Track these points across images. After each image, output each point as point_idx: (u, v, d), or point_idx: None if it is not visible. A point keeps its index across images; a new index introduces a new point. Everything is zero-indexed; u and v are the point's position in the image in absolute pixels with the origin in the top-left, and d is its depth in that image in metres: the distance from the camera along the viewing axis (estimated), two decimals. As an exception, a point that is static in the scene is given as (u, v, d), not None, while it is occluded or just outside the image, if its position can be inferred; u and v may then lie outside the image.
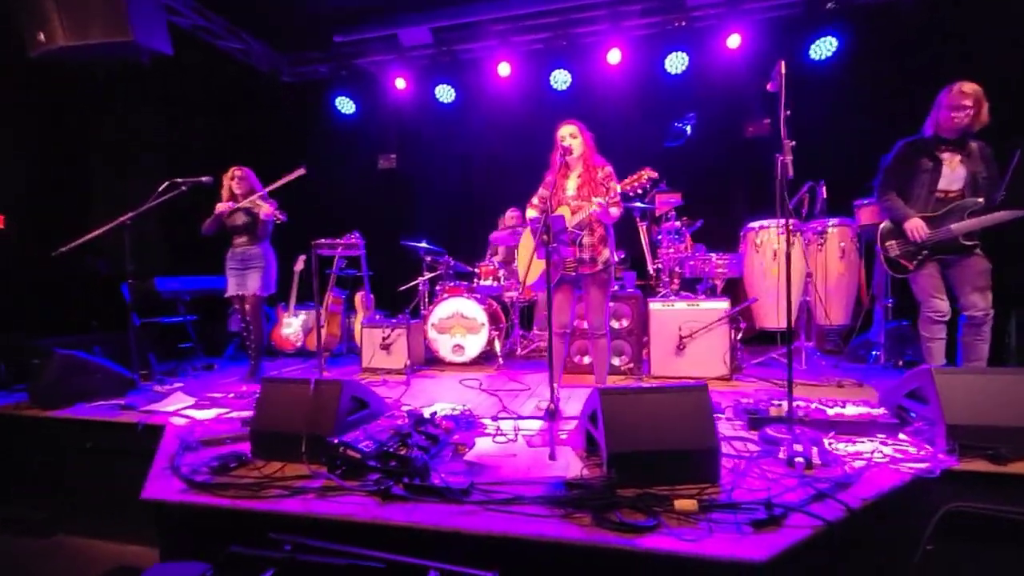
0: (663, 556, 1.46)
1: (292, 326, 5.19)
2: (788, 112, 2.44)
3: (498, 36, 5.79)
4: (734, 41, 5.17)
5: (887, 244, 3.09)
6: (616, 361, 3.99)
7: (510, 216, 5.59)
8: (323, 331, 4.54)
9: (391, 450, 2.01)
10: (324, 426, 2.15)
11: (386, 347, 4.25)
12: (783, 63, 2.43)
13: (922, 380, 2.26)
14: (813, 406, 2.63)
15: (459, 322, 4.53)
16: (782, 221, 3.76)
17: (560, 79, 5.68)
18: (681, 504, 1.65)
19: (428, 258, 5.12)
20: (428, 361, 4.61)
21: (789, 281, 2.29)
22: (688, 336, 3.71)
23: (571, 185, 3.01)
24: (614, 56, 5.45)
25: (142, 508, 2.76)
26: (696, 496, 1.73)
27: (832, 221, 3.66)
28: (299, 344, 5.18)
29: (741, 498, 1.74)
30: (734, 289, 4.43)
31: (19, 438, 3.22)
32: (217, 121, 5.96)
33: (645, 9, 5.46)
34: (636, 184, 2.57)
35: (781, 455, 2.08)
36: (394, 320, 4.35)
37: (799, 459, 2.00)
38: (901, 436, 2.32)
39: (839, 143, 4.79)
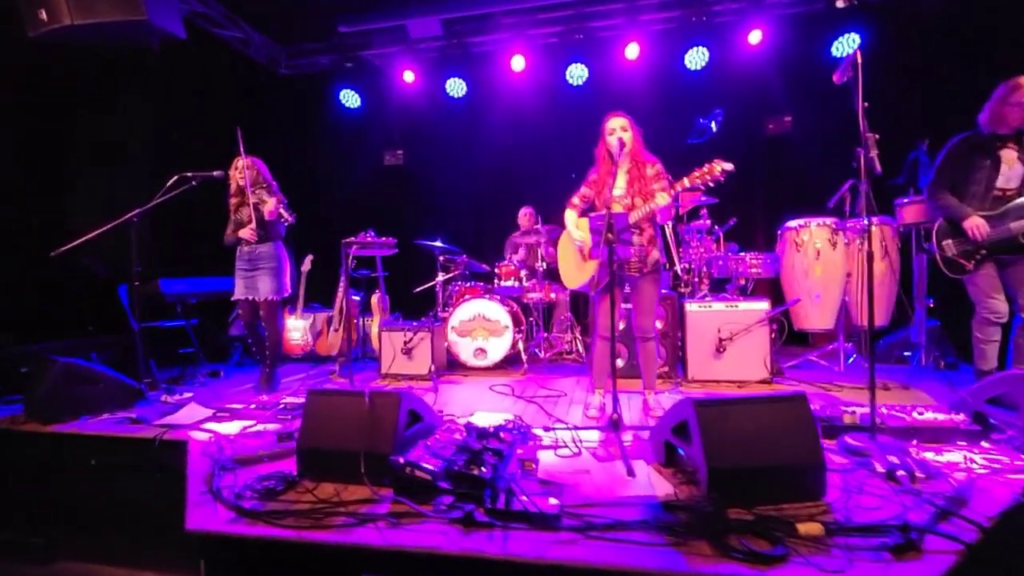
0: (806, 590, 1.30)
1: (299, 329, 4.93)
2: (867, 104, 2.31)
3: (511, 29, 5.62)
4: (755, 37, 5.08)
5: (944, 244, 3.00)
6: (650, 364, 3.85)
7: (523, 215, 5.42)
8: (340, 335, 4.30)
9: (463, 469, 1.82)
10: (382, 443, 1.95)
11: (408, 351, 4.03)
12: (858, 53, 2.31)
13: (1010, 385, 2.16)
14: (883, 410, 2.52)
15: (481, 325, 4.34)
16: (823, 220, 3.71)
17: (576, 74, 5.53)
18: (806, 528, 1.50)
19: (441, 258, 4.92)
20: (449, 365, 4.41)
21: (871, 280, 2.17)
22: (728, 338, 3.59)
23: (619, 183, 2.85)
24: (632, 51, 5.32)
25: (157, 531, 2.53)
26: (812, 517, 1.59)
27: (873, 220, 3.57)
28: (308, 348, 4.93)
29: (860, 518, 1.60)
30: (761, 289, 4.34)
31: (14, 455, 2.93)
32: (213, 115, 5.63)
33: (663, 3, 5.35)
34: (708, 177, 2.40)
35: (878, 468, 1.95)
36: (416, 323, 4.14)
37: (900, 472, 1.87)
38: (984, 444, 2.22)
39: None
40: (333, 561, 1.58)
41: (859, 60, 2.31)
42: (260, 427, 2.76)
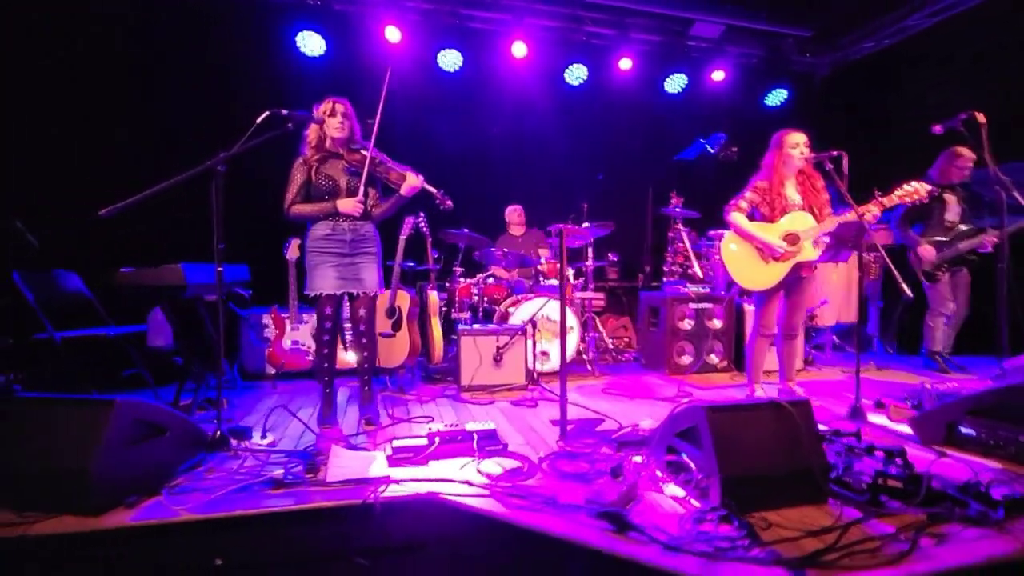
0: None
1: (301, 337, 3.76)
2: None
3: (511, 11, 5.30)
4: (718, 75, 5.92)
5: (924, 260, 4.10)
6: (713, 359, 4.19)
7: (513, 213, 5.19)
8: (402, 339, 3.44)
9: (903, 472, 1.81)
10: (815, 455, 1.78)
11: (499, 359, 3.49)
12: (979, 115, 3.01)
13: (1053, 361, 3.14)
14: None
15: (545, 326, 4.03)
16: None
17: (576, 74, 5.54)
18: None
19: (475, 252, 4.39)
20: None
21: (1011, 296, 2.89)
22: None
23: (791, 193, 3.08)
24: (625, 63, 5.60)
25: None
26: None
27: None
28: (311, 359, 3.79)
29: None
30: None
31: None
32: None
33: (646, 26, 5.77)
34: (916, 197, 2.75)
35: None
36: (498, 326, 3.61)
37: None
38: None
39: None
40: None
41: (981, 121, 3.01)
42: (490, 464, 2.11)
